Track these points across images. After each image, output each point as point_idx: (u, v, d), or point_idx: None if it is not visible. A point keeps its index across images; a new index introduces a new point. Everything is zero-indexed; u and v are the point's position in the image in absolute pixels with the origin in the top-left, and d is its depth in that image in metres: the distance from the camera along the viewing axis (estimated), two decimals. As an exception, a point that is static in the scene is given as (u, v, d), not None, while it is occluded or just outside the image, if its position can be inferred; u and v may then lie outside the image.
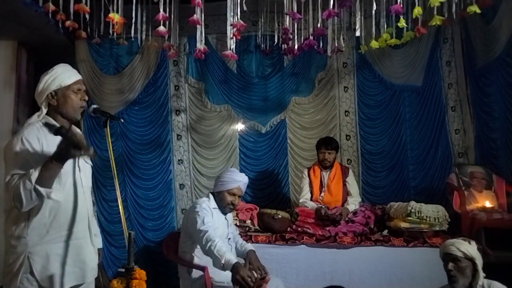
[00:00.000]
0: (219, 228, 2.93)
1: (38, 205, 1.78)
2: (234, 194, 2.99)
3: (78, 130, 2.10)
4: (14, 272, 1.80)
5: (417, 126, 4.35)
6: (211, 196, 3.06)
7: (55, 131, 1.76)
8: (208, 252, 2.58)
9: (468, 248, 2.27)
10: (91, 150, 1.72)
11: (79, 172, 1.96)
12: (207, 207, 2.92)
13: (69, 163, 1.89)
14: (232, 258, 2.49)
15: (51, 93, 1.93)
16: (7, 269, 1.84)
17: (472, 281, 2.26)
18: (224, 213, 3.05)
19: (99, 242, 2.20)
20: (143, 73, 4.53)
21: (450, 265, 2.27)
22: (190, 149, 4.59)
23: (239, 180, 3.01)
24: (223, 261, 2.45)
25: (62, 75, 1.94)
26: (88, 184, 2.04)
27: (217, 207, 3.02)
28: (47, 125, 1.91)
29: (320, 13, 2.81)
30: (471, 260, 2.26)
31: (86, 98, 1.99)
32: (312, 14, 3.05)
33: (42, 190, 1.69)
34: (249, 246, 3.02)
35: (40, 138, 1.83)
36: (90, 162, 2.09)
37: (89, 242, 2.00)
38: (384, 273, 3.38)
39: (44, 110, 1.95)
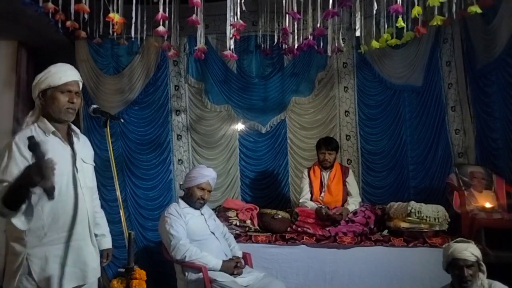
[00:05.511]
0: (197, 226, 3.06)
1: (35, 207, 1.74)
2: (203, 189, 3.12)
3: (76, 128, 2.07)
4: (13, 273, 1.81)
5: (417, 126, 4.35)
6: (180, 199, 3.19)
7: (28, 146, 1.55)
8: (188, 262, 2.89)
9: (478, 251, 2.30)
10: (49, 183, 1.54)
11: (77, 172, 1.94)
12: (175, 211, 3.05)
13: (66, 164, 1.89)
14: (215, 260, 2.88)
15: (40, 92, 1.91)
16: (7, 269, 1.85)
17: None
18: (197, 209, 3.15)
19: (108, 242, 2.25)
20: (143, 73, 4.53)
21: (467, 272, 2.26)
22: (190, 149, 4.59)
23: (207, 174, 3.16)
24: (210, 267, 2.86)
25: (54, 76, 1.90)
26: (87, 185, 2.01)
27: (188, 205, 3.13)
28: (40, 127, 1.90)
29: (320, 13, 2.81)
30: (478, 262, 2.28)
31: (75, 100, 1.92)
32: (312, 14, 3.06)
33: (5, 211, 1.62)
34: (238, 252, 3.17)
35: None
36: (90, 162, 2.08)
37: (89, 243, 1.98)
38: (384, 273, 3.37)
39: (37, 110, 1.93)
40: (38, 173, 1.49)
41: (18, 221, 1.67)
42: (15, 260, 1.81)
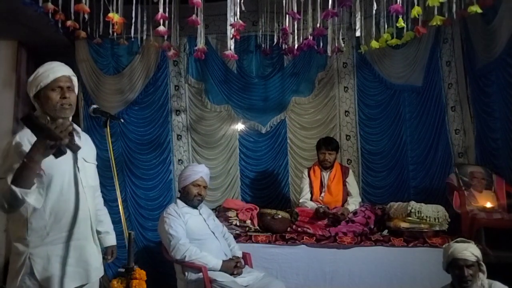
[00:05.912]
0: (197, 225, 3.07)
1: (35, 206, 1.75)
2: (198, 185, 3.13)
3: (77, 127, 2.05)
4: (15, 272, 1.81)
5: (417, 126, 4.35)
6: (177, 200, 3.20)
7: (25, 123, 1.61)
8: (188, 262, 2.89)
9: (478, 251, 2.29)
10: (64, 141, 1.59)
11: (78, 172, 1.93)
12: (173, 211, 3.06)
13: (67, 163, 1.88)
14: (215, 260, 2.89)
15: (34, 95, 1.91)
16: (10, 268, 1.86)
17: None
18: (195, 207, 3.16)
19: (112, 239, 2.25)
20: (143, 73, 4.53)
21: (467, 272, 2.26)
22: (190, 149, 4.60)
23: (200, 170, 3.18)
24: (210, 266, 2.86)
25: (42, 76, 1.90)
26: (89, 184, 2.00)
27: (186, 205, 3.13)
28: None
29: (320, 13, 2.82)
30: (478, 262, 2.28)
31: (67, 95, 1.89)
32: (312, 14, 3.06)
33: (17, 190, 1.59)
34: (238, 252, 3.17)
35: (32, 141, 1.74)
36: (92, 161, 2.07)
37: (91, 242, 1.98)
38: (384, 273, 3.37)
39: (39, 111, 1.93)
40: (49, 137, 1.55)
41: (32, 198, 1.66)
42: (18, 259, 1.81)
